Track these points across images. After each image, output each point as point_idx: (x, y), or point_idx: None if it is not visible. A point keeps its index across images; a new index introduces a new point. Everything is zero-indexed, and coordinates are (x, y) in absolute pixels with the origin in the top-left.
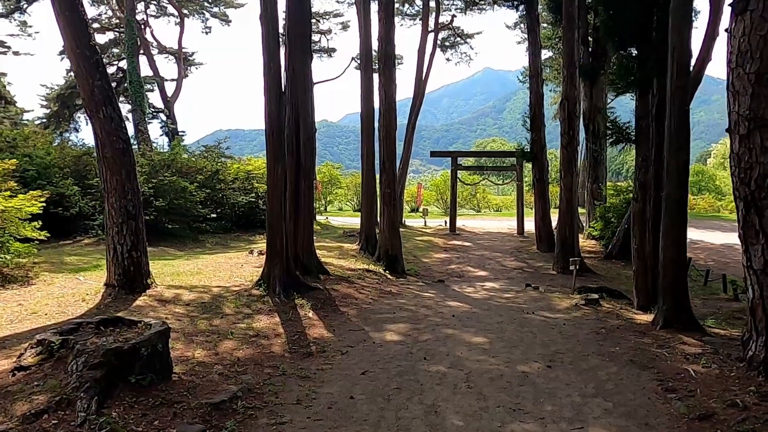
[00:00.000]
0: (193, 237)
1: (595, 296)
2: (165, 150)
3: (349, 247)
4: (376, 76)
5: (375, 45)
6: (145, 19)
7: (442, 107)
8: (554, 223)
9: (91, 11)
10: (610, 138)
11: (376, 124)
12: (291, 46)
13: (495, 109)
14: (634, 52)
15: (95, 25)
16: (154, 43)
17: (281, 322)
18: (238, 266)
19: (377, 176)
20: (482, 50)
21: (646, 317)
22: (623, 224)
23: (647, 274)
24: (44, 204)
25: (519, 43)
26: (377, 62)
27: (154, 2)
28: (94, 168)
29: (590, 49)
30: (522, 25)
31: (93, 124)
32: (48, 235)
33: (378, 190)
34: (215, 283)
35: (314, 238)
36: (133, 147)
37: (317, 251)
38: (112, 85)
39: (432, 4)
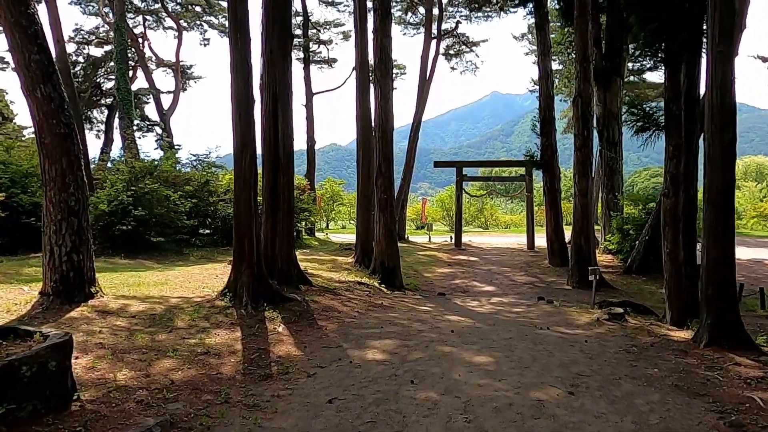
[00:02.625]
0: (177, 250)
1: (620, 310)
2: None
3: (343, 261)
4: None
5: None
6: (143, 32)
7: (450, 131)
8: (567, 237)
9: (87, 24)
10: (634, 126)
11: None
12: (268, 27)
13: (503, 132)
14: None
15: (92, 38)
16: (153, 58)
17: (242, 338)
18: (212, 277)
19: None
20: (489, 74)
21: (684, 334)
22: (644, 235)
23: (682, 283)
24: None
25: (527, 54)
26: (372, 57)
27: (151, 15)
28: None
29: (603, 51)
30: (530, 35)
31: (30, 105)
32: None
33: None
34: (178, 294)
35: (307, 251)
36: (121, 158)
37: (308, 264)
38: (111, 100)
39: (435, 11)
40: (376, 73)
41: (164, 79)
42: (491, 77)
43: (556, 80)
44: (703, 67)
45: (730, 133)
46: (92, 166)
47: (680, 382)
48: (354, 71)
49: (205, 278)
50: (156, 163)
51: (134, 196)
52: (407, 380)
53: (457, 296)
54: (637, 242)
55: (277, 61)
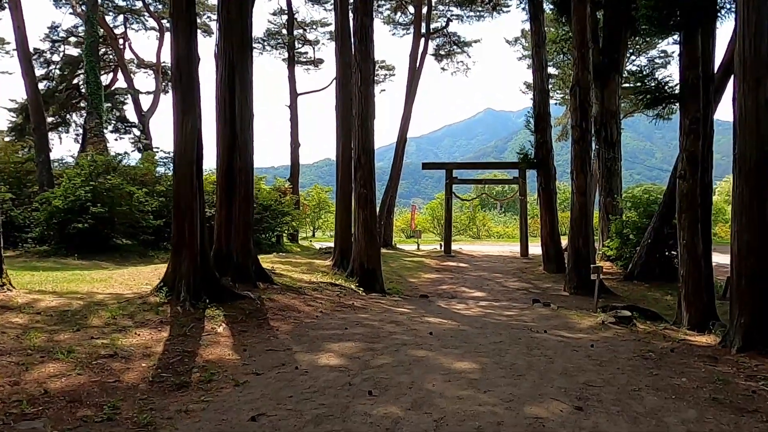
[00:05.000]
0: (142, 252)
1: (628, 313)
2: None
3: (320, 264)
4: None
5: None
6: (124, 32)
7: (444, 147)
8: (564, 244)
9: (66, 23)
10: (645, 99)
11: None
12: None
13: (497, 149)
14: None
15: (71, 39)
16: (134, 59)
17: (168, 338)
18: (161, 275)
19: None
20: (483, 91)
21: (706, 338)
22: (646, 239)
23: (701, 280)
24: None
25: (520, 59)
26: (352, 38)
27: (132, 15)
28: (35, 175)
29: (600, 47)
30: (523, 39)
31: None
32: None
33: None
34: (111, 291)
35: (284, 255)
36: (86, 154)
37: (279, 266)
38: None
39: (425, 10)
40: (355, 56)
41: (146, 81)
42: (485, 94)
43: (551, 84)
44: (718, 39)
45: (766, 92)
46: (55, 163)
47: (718, 394)
48: (335, 56)
49: (153, 276)
50: (120, 157)
51: (93, 191)
52: (364, 391)
53: (443, 300)
54: (638, 247)
55: (234, 24)
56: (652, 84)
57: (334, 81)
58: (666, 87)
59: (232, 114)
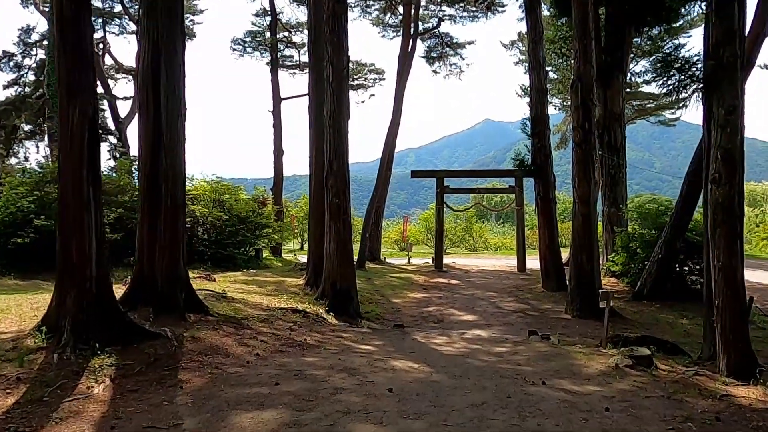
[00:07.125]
0: None
1: (646, 352)
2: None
3: (292, 282)
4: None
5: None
6: (104, 36)
7: (442, 157)
8: (565, 258)
9: (41, 26)
10: (667, 81)
11: None
12: None
13: (495, 159)
14: None
15: (45, 43)
16: (112, 63)
17: (10, 408)
18: None
19: None
20: (482, 101)
21: (754, 392)
22: (656, 253)
23: (742, 313)
24: None
25: (517, 63)
26: (324, 26)
27: (112, 19)
28: None
29: (603, 45)
30: (520, 43)
31: None
32: None
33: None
34: None
35: (254, 272)
36: (48, 160)
37: (240, 287)
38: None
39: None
40: (327, 48)
41: (126, 87)
42: (484, 105)
43: (549, 87)
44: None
45: None
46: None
47: None
48: (308, 51)
49: None
50: None
51: (38, 202)
52: None
53: (424, 328)
54: (648, 262)
55: None
56: (677, 66)
57: (308, 78)
58: (694, 67)
59: (156, 106)
